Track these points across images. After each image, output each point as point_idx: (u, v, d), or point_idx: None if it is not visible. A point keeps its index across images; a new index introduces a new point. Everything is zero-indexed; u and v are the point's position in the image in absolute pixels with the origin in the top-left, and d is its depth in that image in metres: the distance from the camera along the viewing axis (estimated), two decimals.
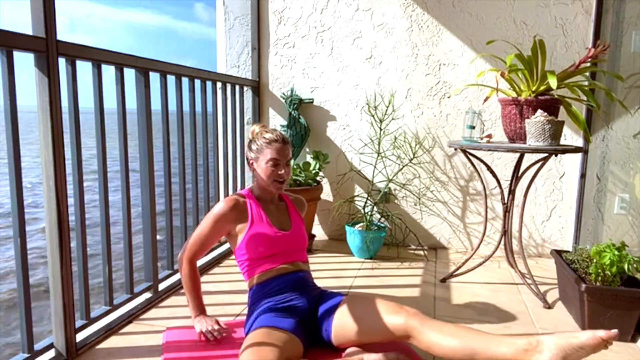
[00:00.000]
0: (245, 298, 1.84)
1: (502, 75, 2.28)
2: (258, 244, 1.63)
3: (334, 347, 1.56)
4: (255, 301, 1.61)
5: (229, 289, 2.32)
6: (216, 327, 1.69)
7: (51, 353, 1.66)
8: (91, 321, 1.84)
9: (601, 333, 1.20)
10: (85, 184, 1.79)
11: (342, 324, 1.50)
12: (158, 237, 2.24)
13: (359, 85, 3.16)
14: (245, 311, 1.80)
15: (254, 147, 1.71)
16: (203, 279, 2.53)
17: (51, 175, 1.55)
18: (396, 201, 3.21)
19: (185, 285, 1.73)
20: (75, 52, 1.66)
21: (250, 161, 1.73)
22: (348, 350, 1.51)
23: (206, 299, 2.21)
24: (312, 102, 3.20)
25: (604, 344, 1.21)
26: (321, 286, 1.75)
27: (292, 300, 1.57)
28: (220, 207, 1.65)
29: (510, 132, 2.33)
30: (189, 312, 1.79)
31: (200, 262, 2.65)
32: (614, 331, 1.20)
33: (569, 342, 1.22)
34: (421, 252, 3.07)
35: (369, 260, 2.90)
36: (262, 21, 3.24)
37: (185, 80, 2.40)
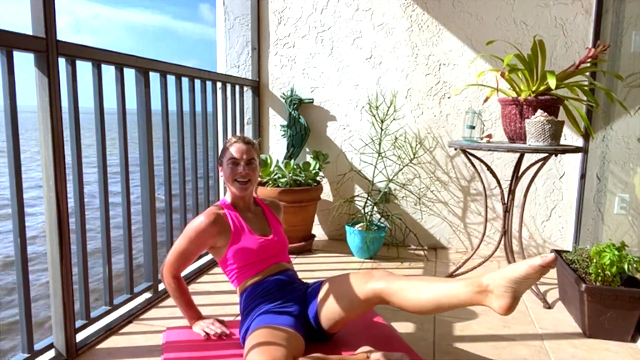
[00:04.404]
0: None
1: (502, 75, 2.28)
2: (243, 254, 1.63)
3: (330, 337, 1.57)
4: (248, 304, 1.61)
5: (228, 289, 2.31)
6: (217, 325, 1.69)
7: (51, 353, 1.66)
8: (91, 321, 1.85)
9: (537, 261, 1.21)
10: (85, 185, 1.79)
11: (324, 308, 1.52)
12: (158, 237, 2.24)
13: (359, 85, 3.16)
14: None
15: (221, 154, 1.74)
16: (202, 278, 2.54)
17: (51, 175, 1.55)
18: (396, 201, 3.21)
19: (175, 299, 1.70)
20: (75, 52, 1.66)
21: (220, 169, 1.74)
22: (358, 350, 1.51)
23: (206, 299, 2.23)
24: (312, 102, 3.20)
25: (547, 269, 1.22)
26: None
27: (285, 307, 1.57)
28: (201, 221, 1.61)
29: (510, 132, 2.33)
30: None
31: (199, 263, 2.65)
32: (551, 255, 1.21)
33: (512, 277, 1.24)
34: (421, 252, 3.07)
35: (369, 261, 2.90)
36: (262, 21, 3.24)
37: (185, 80, 2.40)
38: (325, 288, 1.56)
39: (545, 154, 2.25)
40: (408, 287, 1.39)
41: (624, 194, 2.61)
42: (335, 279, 1.58)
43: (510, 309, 1.25)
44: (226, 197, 1.76)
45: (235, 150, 1.68)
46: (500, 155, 3.01)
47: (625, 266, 1.90)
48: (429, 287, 1.37)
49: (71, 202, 1.69)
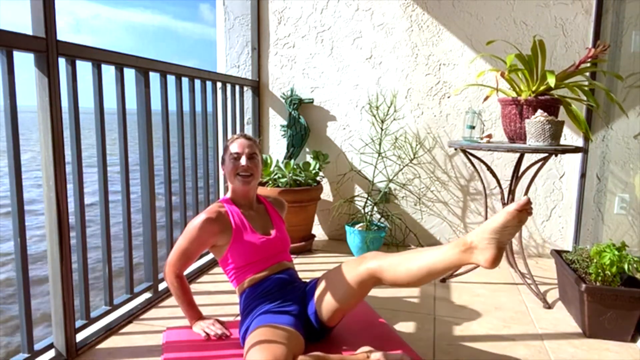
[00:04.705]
0: None
1: (502, 75, 2.28)
2: (244, 253, 1.62)
3: (330, 331, 1.58)
4: (249, 304, 1.61)
5: (228, 289, 2.31)
6: (217, 325, 1.69)
7: (51, 353, 1.66)
8: (91, 321, 1.85)
9: (513, 206, 1.26)
10: (85, 184, 1.79)
11: (323, 301, 1.52)
12: (158, 237, 2.24)
13: (359, 85, 3.16)
14: None
15: (223, 153, 1.75)
16: (203, 278, 2.54)
17: (51, 175, 1.55)
18: (396, 201, 3.21)
19: (177, 298, 1.70)
20: (75, 52, 1.66)
21: (222, 167, 1.75)
22: (358, 350, 1.52)
23: (206, 299, 2.23)
24: (312, 102, 3.20)
25: (524, 214, 1.26)
26: None
27: (286, 307, 1.57)
28: (202, 220, 1.60)
29: (510, 132, 2.33)
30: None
31: (199, 263, 2.65)
32: (524, 198, 1.26)
33: (492, 228, 1.28)
34: None
35: None
36: (262, 21, 3.24)
37: (185, 80, 2.40)
38: (321, 282, 1.56)
39: (545, 154, 2.25)
40: (399, 261, 1.42)
41: (624, 194, 2.61)
42: (330, 272, 1.59)
43: (495, 260, 1.29)
44: (228, 194, 1.76)
45: (236, 145, 1.70)
46: (500, 155, 3.01)
47: (625, 266, 1.90)
48: (418, 257, 1.41)
49: (71, 202, 1.69)
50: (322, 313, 1.52)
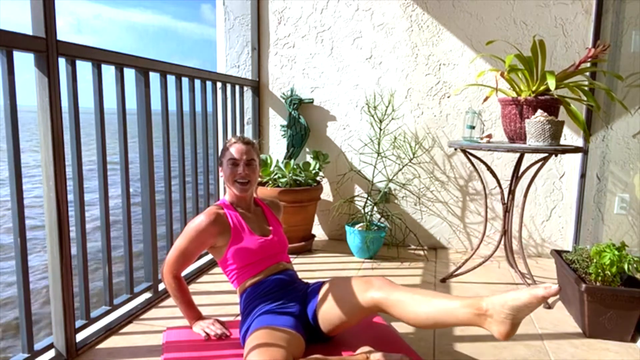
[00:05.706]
0: None
1: (502, 75, 2.28)
2: (243, 254, 1.63)
3: (329, 339, 1.58)
4: (249, 304, 1.61)
5: (228, 289, 2.31)
6: (217, 325, 1.69)
7: (51, 353, 1.66)
8: (91, 321, 1.85)
9: (540, 292, 1.21)
10: (85, 183, 1.79)
11: (323, 311, 1.52)
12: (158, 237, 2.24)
13: (359, 85, 3.16)
14: None
15: (221, 155, 1.74)
16: (202, 278, 2.54)
17: (51, 175, 1.55)
18: (396, 201, 3.21)
19: (175, 298, 1.70)
20: (75, 52, 1.66)
21: (220, 169, 1.75)
22: (358, 351, 1.52)
23: (206, 299, 2.23)
24: (312, 102, 3.20)
25: (547, 299, 1.23)
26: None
27: (286, 307, 1.57)
28: (201, 221, 1.61)
29: (510, 132, 2.33)
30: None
31: (199, 263, 2.65)
32: (555, 287, 1.21)
33: (513, 305, 1.25)
34: (421, 252, 3.07)
35: (369, 260, 2.90)
36: (262, 21, 3.24)
37: (185, 80, 2.40)
38: (325, 288, 1.56)
39: (545, 154, 2.25)
40: (407, 300, 1.39)
41: (624, 194, 2.61)
42: (336, 282, 1.57)
43: (509, 335, 1.26)
44: (226, 197, 1.76)
45: (235, 150, 1.69)
46: (500, 155, 3.01)
47: (625, 266, 1.90)
48: (428, 303, 1.37)
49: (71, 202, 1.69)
50: (321, 323, 1.53)
